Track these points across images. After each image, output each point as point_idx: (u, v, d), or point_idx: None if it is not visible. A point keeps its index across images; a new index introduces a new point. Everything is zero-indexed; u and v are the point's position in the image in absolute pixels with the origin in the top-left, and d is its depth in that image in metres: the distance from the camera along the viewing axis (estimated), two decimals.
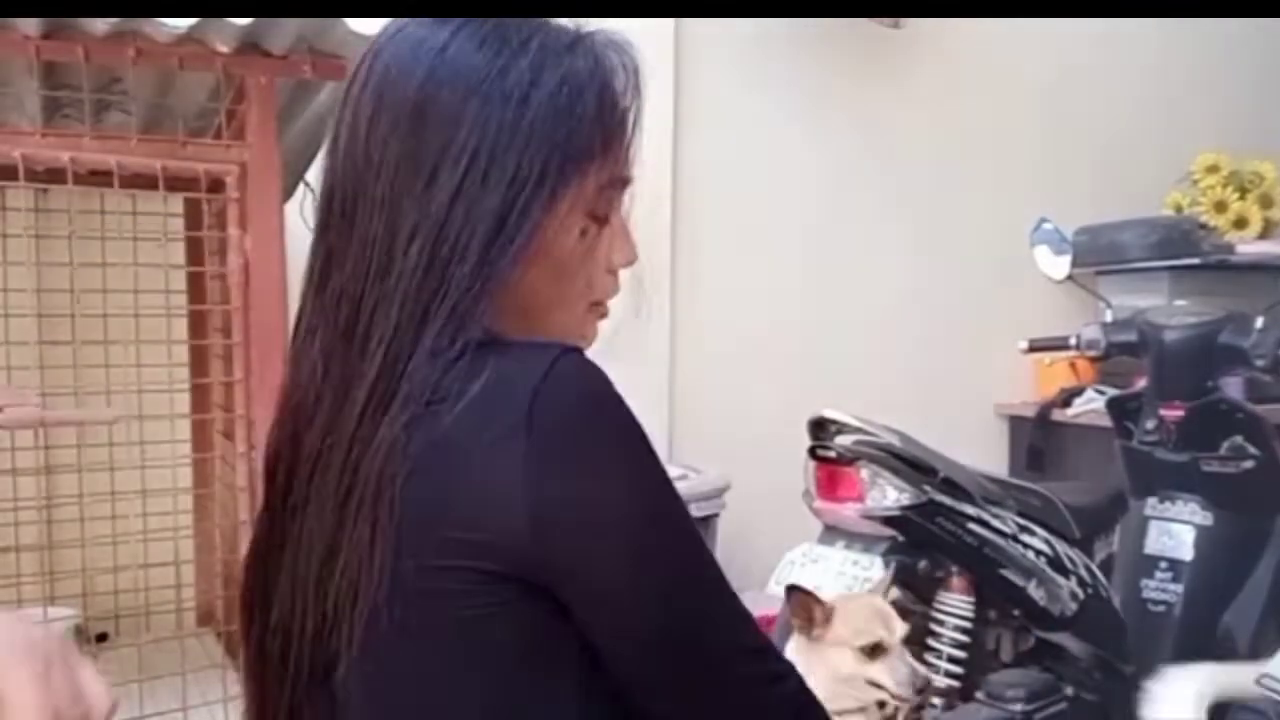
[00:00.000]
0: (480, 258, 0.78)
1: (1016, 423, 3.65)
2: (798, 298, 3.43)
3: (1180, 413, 2.54)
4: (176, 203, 2.11)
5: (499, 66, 0.81)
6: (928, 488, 2.31)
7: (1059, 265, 2.88)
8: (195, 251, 2.16)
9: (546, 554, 0.73)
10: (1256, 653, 2.52)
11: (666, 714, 0.79)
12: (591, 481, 0.75)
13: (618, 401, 0.77)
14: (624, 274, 0.91)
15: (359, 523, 0.76)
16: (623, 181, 0.87)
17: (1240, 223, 3.40)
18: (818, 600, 1.73)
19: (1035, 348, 2.88)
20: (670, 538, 0.78)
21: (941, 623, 2.38)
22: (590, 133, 0.82)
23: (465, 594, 0.73)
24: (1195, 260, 3.37)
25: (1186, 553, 2.56)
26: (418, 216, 0.79)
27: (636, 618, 0.76)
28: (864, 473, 2.31)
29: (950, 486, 2.34)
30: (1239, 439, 2.53)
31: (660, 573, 0.77)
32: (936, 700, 2.34)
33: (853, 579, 2.29)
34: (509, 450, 0.72)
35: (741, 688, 0.80)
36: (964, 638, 2.37)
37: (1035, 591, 2.41)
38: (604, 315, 0.90)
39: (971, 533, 2.34)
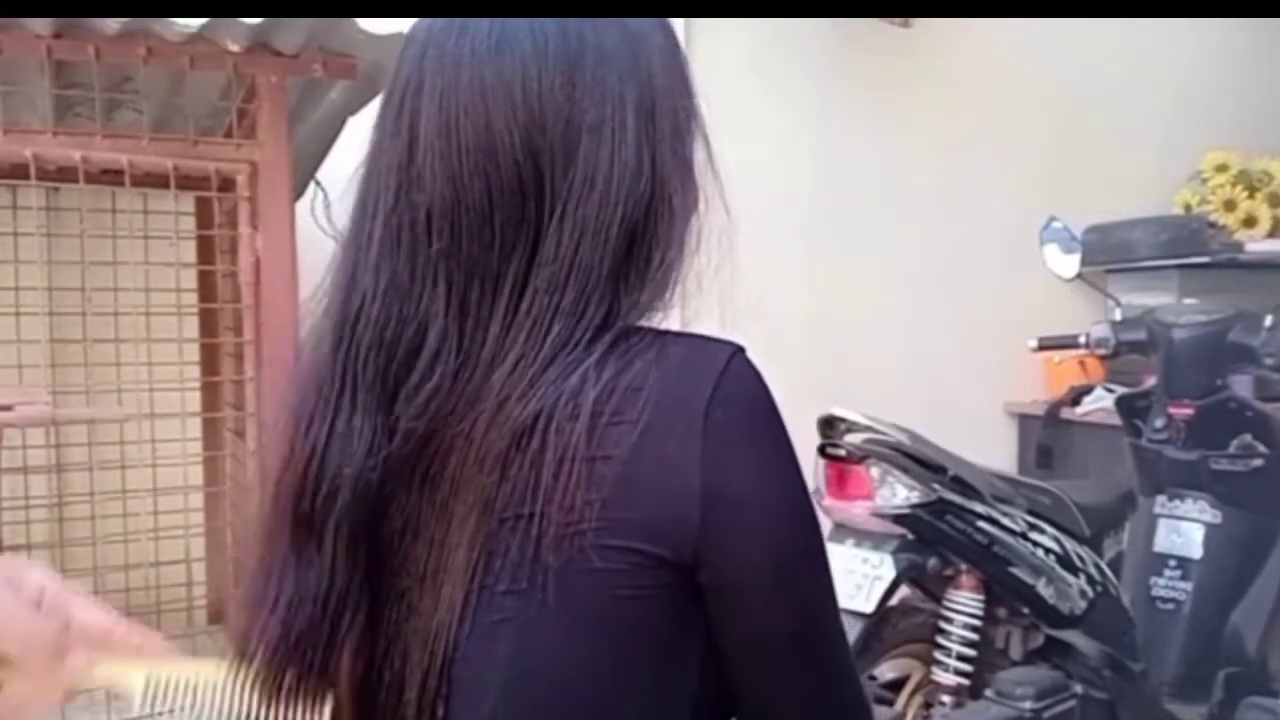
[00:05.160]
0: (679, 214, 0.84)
1: (1026, 421, 3.64)
2: (806, 296, 3.42)
3: (1189, 411, 2.53)
4: (187, 201, 2.11)
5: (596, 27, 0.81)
6: (937, 486, 2.31)
7: (1068, 264, 2.88)
8: (206, 250, 2.17)
9: (713, 546, 0.74)
10: (1265, 651, 2.53)
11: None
12: (762, 480, 0.77)
13: (776, 405, 0.78)
14: None
15: (535, 498, 0.73)
16: None
17: (1249, 221, 3.39)
18: None
19: (1044, 346, 2.88)
20: (818, 544, 0.81)
21: (951, 620, 2.38)
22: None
23: (626, 573, 0.73)
24: (1204, 259, 3.36)
25: (1195, 551, 2.56)
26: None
27: (780, 614, 0.77)
28: (873, 471, 2.31)
29: (960, 485, 2.34)
30: (1248, 437, 2.53)
31: (805, 574, 0.79)
32: (946, 698, 2.35)
33: (862, 577, 2.30)
34: (687, 444, 0.73)
35: (846, 710, 0.82)
36: (973, 635, 2.37)
37: (1044, 589, 2.41)
38: None
39: (981, 531, 2.34)
